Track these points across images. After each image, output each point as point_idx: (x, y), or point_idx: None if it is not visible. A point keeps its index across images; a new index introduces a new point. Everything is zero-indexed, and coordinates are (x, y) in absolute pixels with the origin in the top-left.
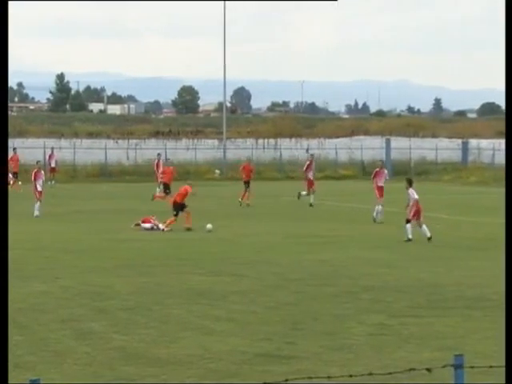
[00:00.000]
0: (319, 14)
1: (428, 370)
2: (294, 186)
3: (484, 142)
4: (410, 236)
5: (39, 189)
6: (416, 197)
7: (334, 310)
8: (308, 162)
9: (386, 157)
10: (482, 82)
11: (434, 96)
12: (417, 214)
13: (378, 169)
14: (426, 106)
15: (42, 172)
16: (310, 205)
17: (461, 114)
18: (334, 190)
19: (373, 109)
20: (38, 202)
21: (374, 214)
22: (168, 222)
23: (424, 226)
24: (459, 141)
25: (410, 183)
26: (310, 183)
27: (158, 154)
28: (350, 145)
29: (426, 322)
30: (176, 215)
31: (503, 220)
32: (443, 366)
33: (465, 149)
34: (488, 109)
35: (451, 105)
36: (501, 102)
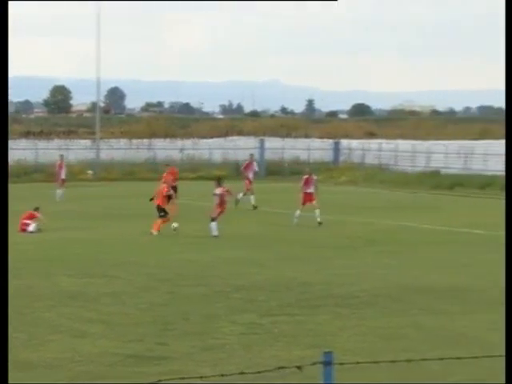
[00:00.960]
0: (193, 15)
1: (298, 367)
2: None
3: (354, 143)
4: (216, 233)
5: None
6: (217, 200)
7: (205, 309)
8: (248, 162)
9: (260, 157)
10: (353, 83)
11: (307, 97)
12: (220, 212)
13: (306, 176)
14: (298, 107)
15: None
16: (254, 207)
17: (332, 114)
18: (207, 190)
19: (247, 109)
20: None
21: (295, 219)
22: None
23: (213, 224)
24: (331, 141)
25: (218, 182)
26: (249, 183)
27: (61, 155)
28: (224, 145)
29: (296, 320)
30: (164, 216)
31: (371, 219)
32: (313, 363)
33: (336, 149)
34: (358, 110)
35: (323, 105)
36: (370, 102)
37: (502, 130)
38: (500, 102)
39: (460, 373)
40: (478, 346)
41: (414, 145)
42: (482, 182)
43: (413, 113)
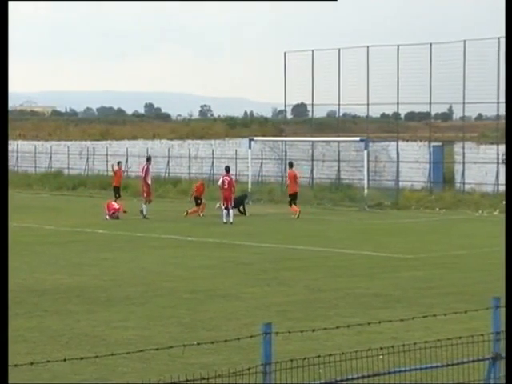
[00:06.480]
0: None
1: None
2: None
3: None
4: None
5: None
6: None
7: None
8: (145, 166)
9: None
10: None
11: None
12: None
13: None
14: None
15: None
16: (144, 217)
17: None
18: None
19: None
20: None
21: None
22: None
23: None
24: None
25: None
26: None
27: None
28: None
29: None
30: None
31: None
32: None
33: None
34: None
35: None
36: None
37: (122, 130)
38: (119, 103)
39: (84, 372)
40: (102, 344)
41: (35, 146)
42: (103, 182)
43: (34, 113)
